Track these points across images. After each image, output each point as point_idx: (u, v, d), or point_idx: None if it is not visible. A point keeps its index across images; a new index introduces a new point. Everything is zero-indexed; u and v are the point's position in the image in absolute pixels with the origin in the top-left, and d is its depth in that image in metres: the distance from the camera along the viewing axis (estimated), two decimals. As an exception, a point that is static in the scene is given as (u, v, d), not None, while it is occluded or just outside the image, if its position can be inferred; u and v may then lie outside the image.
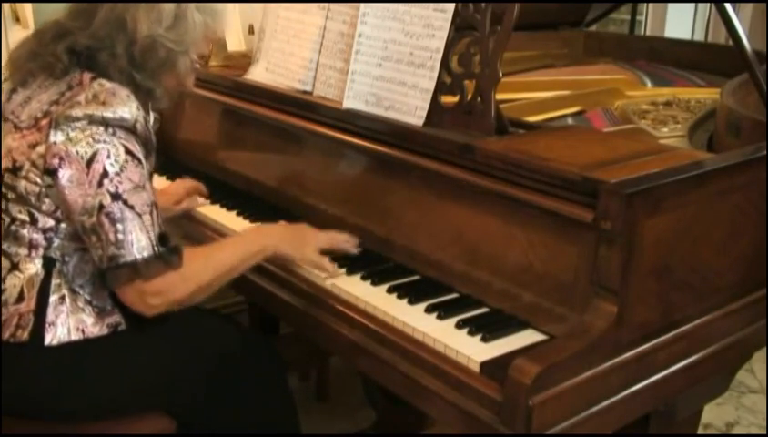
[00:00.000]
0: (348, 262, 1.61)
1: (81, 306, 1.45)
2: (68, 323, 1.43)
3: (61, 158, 1.37)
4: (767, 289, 1.58)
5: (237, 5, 2.68)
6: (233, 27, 2.43)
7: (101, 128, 1.37)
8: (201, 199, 1.96)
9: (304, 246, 1.59)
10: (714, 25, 4.12)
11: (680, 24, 4.31)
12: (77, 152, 1.36)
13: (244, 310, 2.68)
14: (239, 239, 1.64)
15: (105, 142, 1.36)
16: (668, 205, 1.31)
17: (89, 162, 1.36)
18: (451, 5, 1.54)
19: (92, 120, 1.37)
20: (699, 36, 4.33)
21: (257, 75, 1.99)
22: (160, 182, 2.06)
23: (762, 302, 1.57)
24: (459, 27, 1.55)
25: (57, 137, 1.37)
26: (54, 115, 1.39)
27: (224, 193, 1.98)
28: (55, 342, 1.42)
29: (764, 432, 2.57)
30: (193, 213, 1.93)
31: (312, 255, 1.58)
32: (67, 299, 1.44)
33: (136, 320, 1.48)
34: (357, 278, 1.56)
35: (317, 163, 1.82)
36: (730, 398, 2.72)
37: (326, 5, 1.80)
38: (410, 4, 1.61)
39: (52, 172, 1.38)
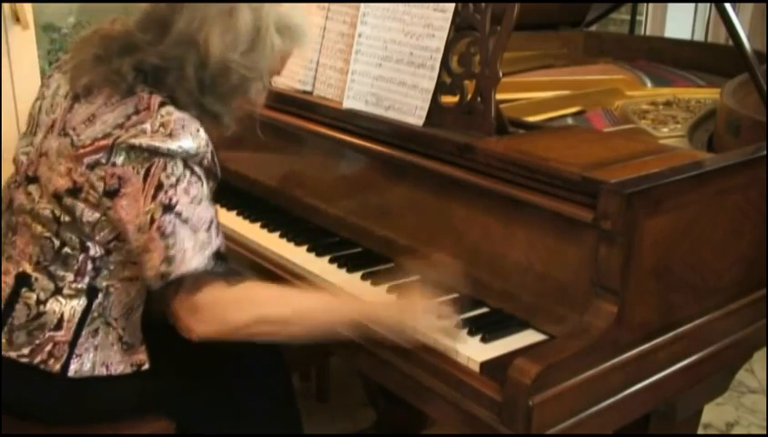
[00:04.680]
0: (349, 263, 1.61)
1: (111, 341, 1.41)
2: (95, 358, 1.39)
3: (120, 178, 1.28)
4: (767, 289, 1.58)
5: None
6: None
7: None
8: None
9: (418, 312, 1.36)
10: (714, 25, 4.12)
11: (680, 24, 4.30)
12: (134, 168, 1.28)
13: (244, 310, 2.68)
14: (332, 293, 1.49)
15: (162, 155, 1.27)
16: (668, 205, 1.31)
17: (145, 176, 1.27)
18: (451, 5, 1.54)
19: (155, 153, 1.27)
20: (699, 36, 4.33)
21: (258, 75, 1.99)
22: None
23: (762, 302, 1.57)
24: (459, 27, 1.55)
25: (117, 158, 1.29)
26: (115, 138, 1.29)
27: (224, 193, 1.98)
28: (77, 376, 1.38)
29: (764, 432, 2.57)
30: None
31: (431, 320, 1.35)
32: (100, 333, 1.40)
33: (160, 361, 1.45)
34: (357, 277, 1.57)
35: (317, 163, 1.82)
36: (730, 398, 2.71)
37: (326, 5, 1.80)
38: (410, 4, 1.61)
39: (111, 194, 1.29)
